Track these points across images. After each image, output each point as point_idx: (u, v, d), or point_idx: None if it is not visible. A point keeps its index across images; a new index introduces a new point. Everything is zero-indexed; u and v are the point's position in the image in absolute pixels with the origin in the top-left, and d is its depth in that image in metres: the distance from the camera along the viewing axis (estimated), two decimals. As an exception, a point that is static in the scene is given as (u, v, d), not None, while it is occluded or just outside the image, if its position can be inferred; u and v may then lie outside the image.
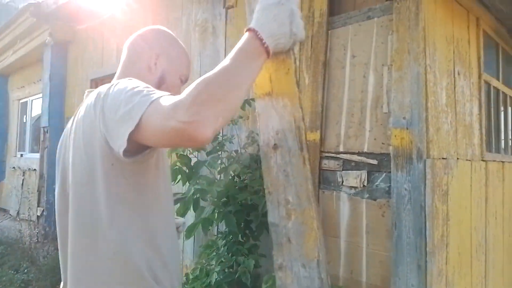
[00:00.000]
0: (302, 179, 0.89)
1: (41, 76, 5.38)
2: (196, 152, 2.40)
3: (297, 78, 0.99)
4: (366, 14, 2.14)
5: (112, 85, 0.88)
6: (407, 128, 1.91)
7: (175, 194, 2.42)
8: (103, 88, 0.90)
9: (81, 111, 0.97)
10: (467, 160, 2.29)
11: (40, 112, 5.40)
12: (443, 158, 1.99)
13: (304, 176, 0.89)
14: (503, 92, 3.06)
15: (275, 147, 0.90)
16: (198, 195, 2.22)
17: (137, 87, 0.83)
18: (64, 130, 1.08)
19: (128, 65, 1.07)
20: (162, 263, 0.95)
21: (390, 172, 1.98)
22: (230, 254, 2.35)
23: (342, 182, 2.21)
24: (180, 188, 2.55)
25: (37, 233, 4.42)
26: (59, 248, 1.03)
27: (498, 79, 2.97)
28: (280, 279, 0.92)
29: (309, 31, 2.37)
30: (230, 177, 2.43)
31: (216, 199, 2.30)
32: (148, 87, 0.84)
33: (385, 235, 1.99)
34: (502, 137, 3.10)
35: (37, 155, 5.40)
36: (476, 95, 2.48)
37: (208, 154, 2.46)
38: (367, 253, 2.07)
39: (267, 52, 0.82)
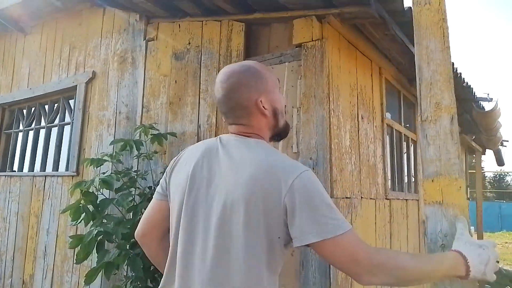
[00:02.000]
0: None
1: None
2: (103, 189, 2.25)
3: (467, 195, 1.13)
4: (278, 58, 2.24)
5: (302, 171, 0.97)
6: (313, 169, 1.98)
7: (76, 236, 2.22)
8: (287, 165, 1.00)
9: (246, 164, 1.02)
10: (371, 198, 2.43)
11: None
12: (346, 198, 2.08)
13: None
14: (405, 135, 3.36)
15: (443, 246, 1.05)
16: (101, 237, 2.06)
17: (329, 200, 0.96)
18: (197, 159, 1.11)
19: (244, 121, 1.11)
20: None
21: (299, 211, 2.02)
22: (136, 300, 2.19)
23: (255, 220, 2.20)
24: (83, 229, 2.36)
25: None
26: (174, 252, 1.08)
27: (400, 123, 3.25)
28: None
29: (226, 70, 2.42)
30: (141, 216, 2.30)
31: (122, 241, 2.15)
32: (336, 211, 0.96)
33: (294, 275, 1.99)
34: (405, 176, 3.37)
35: None
36: (379, 137, 2.68)
37: (117, 191, 2.32)
38: (277, 293, 2.06)
39: (466, 275, 0.98)
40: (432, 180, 1.07)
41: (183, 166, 1.14)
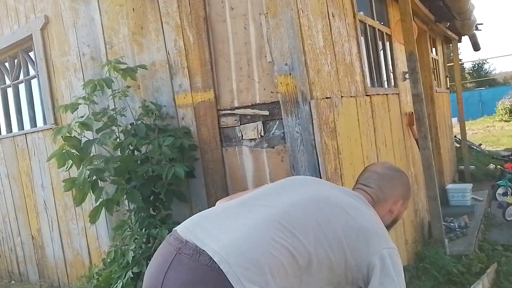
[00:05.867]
0: None
1: None
2: (85, 131, 2.22)
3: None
4: (236, -37, 2.09)
5: (392, 255, 1.16)
6: (290, 74, 1.96)
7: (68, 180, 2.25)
8: (386, 236, 1.22)
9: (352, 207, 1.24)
10: (351, 96, 2.45)
11: None
12: (327, 98, 2.10)
13: None
14: (379, 30, 3.29)
15: None
16: (94, 177, 2.09)
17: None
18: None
19: (377, 201, 1.34)
20: None
21: (282, 118, 2.05)
22: (143, 229, 2.30)
23: (242, 136, 2.23)
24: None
25: None
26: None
27: (373, 18, 3.17)
28: None
29: (184, -14, 2.27)
30: (129, 151, 2.31)
31: (116, 177, 2.19)
32: None
33: (286, 177, 2.07)
34: (384, 71, 3.38)
35: None
36: (353, 34, 2.63)
37: (99, 131, 2.30)
38: (273, 199, 2.16)
39: None
40: None
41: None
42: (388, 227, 1.36)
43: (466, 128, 7.26)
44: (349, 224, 1.16)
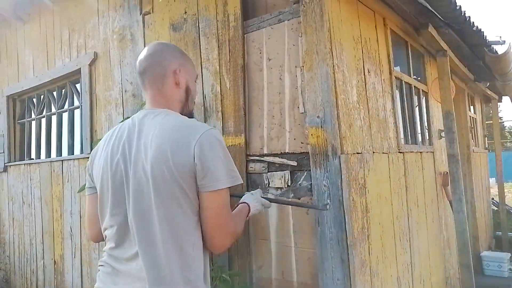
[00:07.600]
0: None
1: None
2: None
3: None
4: (277, 17, 2.18)
5: (212, 141, 1.14)
6: (321, 127, 1.96)
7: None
8: (196, 136, 1.13)
9: (162, 134, 1.15)
10: (383, 153, 2.40)
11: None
12: (357, 153, 2.07)
13: None
14: (415, 87, 3.27)
15: None
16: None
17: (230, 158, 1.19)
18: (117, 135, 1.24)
19: (159, 85, 1.26)
20: None
21: (310, 170, 2.02)
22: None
23: (269, 184, 2.22)
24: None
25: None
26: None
27: (409, 74, 3.17)
28: None
29: (226, 35, 2.37)
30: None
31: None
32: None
33: (311, 232, 2.02)
34: (418, 128, 3.31)
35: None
36: (388, 90, 2.62)
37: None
38: (295, 252, 2.10)
39: (249, 212, 1.47)
40: None
41: (103, 151, 1.24)
42: (187, 103, 1.32)
43: (505, 190, 6.88)
44: (172, 160, 1.11)
